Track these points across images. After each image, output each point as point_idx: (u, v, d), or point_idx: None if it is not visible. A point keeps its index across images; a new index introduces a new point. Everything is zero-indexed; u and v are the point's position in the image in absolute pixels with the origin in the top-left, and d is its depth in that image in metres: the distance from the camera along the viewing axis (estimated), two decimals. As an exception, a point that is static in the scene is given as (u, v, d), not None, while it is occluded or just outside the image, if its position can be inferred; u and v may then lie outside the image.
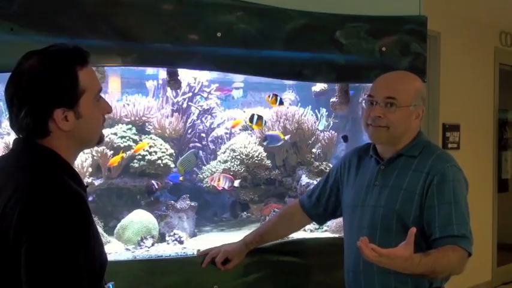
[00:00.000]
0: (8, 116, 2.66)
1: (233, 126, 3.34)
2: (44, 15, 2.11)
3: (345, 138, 3.32)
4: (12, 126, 1.40)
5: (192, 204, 2.99)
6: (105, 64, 2.35)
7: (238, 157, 3.24)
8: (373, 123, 1.95)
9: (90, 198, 2.75)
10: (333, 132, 3.50)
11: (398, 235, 1.87)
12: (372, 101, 1.96)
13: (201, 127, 3.38)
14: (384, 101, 1.93)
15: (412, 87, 1.98)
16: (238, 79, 3.42)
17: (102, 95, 1.51)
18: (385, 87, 1.96)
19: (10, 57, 1.93)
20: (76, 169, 1.48)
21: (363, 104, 2.04)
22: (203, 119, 3.37)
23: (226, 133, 3.42)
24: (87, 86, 1.39)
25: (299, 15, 2.55)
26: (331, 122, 3.53)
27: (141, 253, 2.58)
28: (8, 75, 2.39)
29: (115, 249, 2.60)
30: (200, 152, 3.38)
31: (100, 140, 1.52)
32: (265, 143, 3.20)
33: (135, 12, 2.25)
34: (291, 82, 3.44)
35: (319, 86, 3.32)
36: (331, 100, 3.13)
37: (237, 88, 3.53)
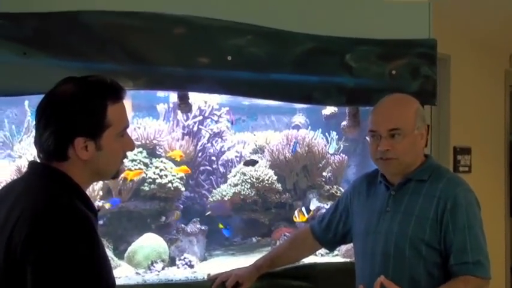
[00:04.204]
0: (20, 139, 2.77)
1: (126, 177, 2.86)
2: (56, 39, 2.15)
3: (251, 163, 3.26)
4: (35, 144, 1.44)
5: (203, 228, 2.98)
6: None
7: (249, 180, 3.23)
8: (383, 157, 1.93)
9: (100, 222, 2.75)
10: (344, 155, 3.49)
11: (412, 261, 1.88)
12: (375, 135, 1.95)
13: (211, 150, 3.38)
14: (388, 133, 1.91)
15: (410, 111, 1.96)
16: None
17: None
18: (386, 120, 1.94)
19: (23, 81, 2.11)
20: (87, 192, 1.50)
21: (367, 138, 2.02)
22: (213, 142, 3.37)
23: (236, 156, 3.41)
24: (114, 121, 1.42)
25: (309, 39, 2.57)
26: (342, 145, 3.52)
27: (151, 277, 2.56)
28: (21, 98, 2.51)
29: (125, 273, 2.58)
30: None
31: (116, 175, 1.54)
32: None
33: (146, 35, 2.27)
34: (301, 105, 3.44)
35: (329, 109, 3.32)
36: (342, 123, 3.12)
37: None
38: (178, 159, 3.07)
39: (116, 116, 1.44)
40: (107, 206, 2.79)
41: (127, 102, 2.95)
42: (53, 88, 1.43)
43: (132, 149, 1.54)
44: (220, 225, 3.09)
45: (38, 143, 1.41)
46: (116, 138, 1.45)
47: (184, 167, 3.06)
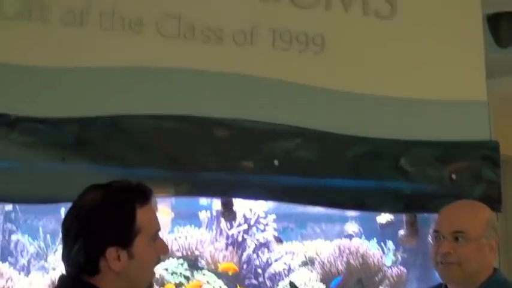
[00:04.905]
0: (54, 250, 2.70)
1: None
2: (96, 144, 2.15)
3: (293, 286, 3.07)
4: (63, 259, 1.39)
5: None
6: (157, 195, 2.28)
7: (298, 296, 3.09)
8: (443, 261, 1.82)
9: None
10: (402, 268, 3.34)
11: None
12: (438, 236, 1.86)
13: (257, 262, 3.25)
14: (451, 235, 1.82)
15: (480, 217, 1.88)
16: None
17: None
18: (451, 221, 1.86)
19: (60, 189, 2.08)
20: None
21: (430, 240, 1.96)
22: (259, 253, 3.26)
23: (284, 269, 3.28)
24: (144, 225, 1.38)
25: (361, 141, 2.48)
26: (400, 257, 3.38)
27: None
28: (57, 206, 2.45)
29: None
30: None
31: (149, 286, 1.46)
32: None
33: (188, 140, 2.24)
34: (353, 213, 3.34)
35: (384, 217, 3.20)
36: (399, 232, 2.94)
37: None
38: (230, 272, 3.00)
39: (146, 220, 1.39)
40: None
41: (167, 210, 2.95)
42: (77, 198, 1.39)
43: (166, 253, 1.47)
44: None
45: (66, 257, 1.36)
46: (149, 243, 1.39)
47: (232, 265, 2.97)
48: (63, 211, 2.64)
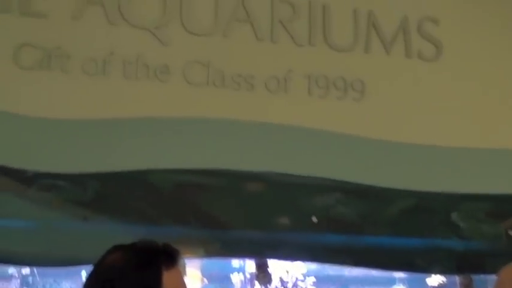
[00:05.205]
0: None
1: None
2: (119, 201, 2.17)
3: None
4: None
5: None
6: (185, 256, 2.17)
7: None
8: None
9: None
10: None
11: None
12: None
13: None
14: None
15: None
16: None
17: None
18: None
19: (81, 250, 2.02)
20: None
21: None
22: None
23: (325, 337, 3.12)
24: None
25: (407, 195, 2.42)
26: None
27: None
28: (77, 269, 2.35)
29: None
30: None
31: None
32: None
33: (217, 195, 2.21)
34: (401, 274, 3.23)
35: (435, 279, 3.10)
36: None
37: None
38: None
39: (173, 285, 1.28)
40: None
41: (197, 272, 2.81)
42: (100, 259, 1.32)
43: None
44: None
45: None
46: None
47: None
48: (84, 274, 2.57)
